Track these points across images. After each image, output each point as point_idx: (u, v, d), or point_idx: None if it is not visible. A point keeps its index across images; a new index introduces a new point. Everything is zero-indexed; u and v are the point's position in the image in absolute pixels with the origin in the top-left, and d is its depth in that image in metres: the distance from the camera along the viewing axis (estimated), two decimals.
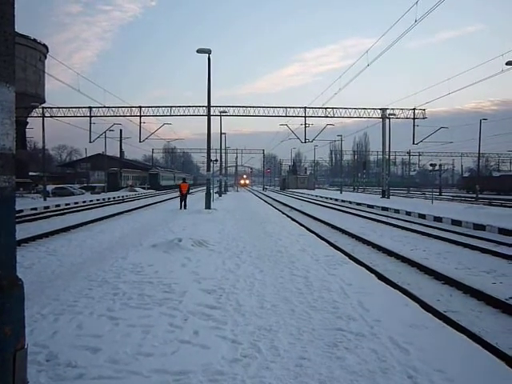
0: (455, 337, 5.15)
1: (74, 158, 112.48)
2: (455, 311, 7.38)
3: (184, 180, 31.14)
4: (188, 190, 29.33)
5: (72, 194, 50.22)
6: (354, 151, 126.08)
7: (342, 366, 4.26)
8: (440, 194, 58.80)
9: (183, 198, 28.48)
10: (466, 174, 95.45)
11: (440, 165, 56.35)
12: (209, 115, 26.61)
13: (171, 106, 48.52)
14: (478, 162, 66.85)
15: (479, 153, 58.36)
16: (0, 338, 2.30)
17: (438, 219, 22.60)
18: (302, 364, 4.31)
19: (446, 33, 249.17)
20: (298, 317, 5.80)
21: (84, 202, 37.71)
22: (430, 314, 6.09)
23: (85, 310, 5.94)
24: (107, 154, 64.85)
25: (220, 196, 46.55)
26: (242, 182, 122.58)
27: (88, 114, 48.09)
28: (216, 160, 54.12)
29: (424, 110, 47.78)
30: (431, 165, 44.63)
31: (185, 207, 27.84)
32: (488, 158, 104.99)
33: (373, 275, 8.76)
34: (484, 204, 35.71)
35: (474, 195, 48.72)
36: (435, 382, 3.91)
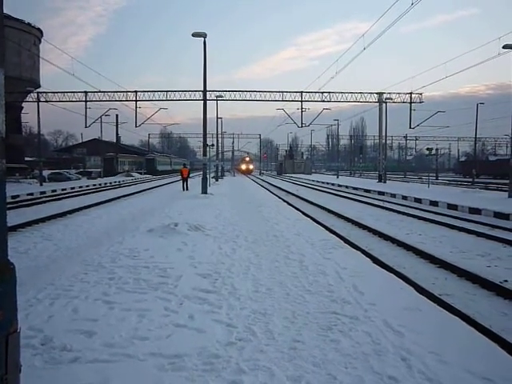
0: (449, 319, 5.18)
1: (70, 143, 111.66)
2: (450, 294, 7.43)
3: (185, 165, 34.65)
4: (188, 174, 33.00)
5: (68, 179, 50.07)
6: (350, 136, 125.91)
7: (336, 349, 4.28)
8: (436, 179, 58.73)
9: (184, 181, 32.09)
10: (462, 159, 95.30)
11: (437, 149, 56.22)
12: (205, 99, 26.37)
13: (167, 91, 48.45)
14: (475, 146, 66.98)
15: (476, 137, 58.56)
16: None
17: (434, 203, 22.67)
18: (297, 347, 4.33)
19: (440, 17, 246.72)
20: (293, 300, 5.82)
21: (80, 187, 37.67)
22: (424, 297, 6.11)
23: (80, 295, 5.94)
24: (103, 139, 64.65)
25: (216, 181, 46.53)
26: (244, 167, 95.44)
27: (83, 99, 47.82)
28: (212, 145, 53.98)
29: (421, 94, 47.71)
30: (428, 149, 44.70)
31: (187, 189, 31.26)
32: (484, 142, 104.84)
33: (368, 259, 8.79)
34: (480, 188, 35.76)
35: (471, 179, 48.78)
36: (429, 364, 3.93)
